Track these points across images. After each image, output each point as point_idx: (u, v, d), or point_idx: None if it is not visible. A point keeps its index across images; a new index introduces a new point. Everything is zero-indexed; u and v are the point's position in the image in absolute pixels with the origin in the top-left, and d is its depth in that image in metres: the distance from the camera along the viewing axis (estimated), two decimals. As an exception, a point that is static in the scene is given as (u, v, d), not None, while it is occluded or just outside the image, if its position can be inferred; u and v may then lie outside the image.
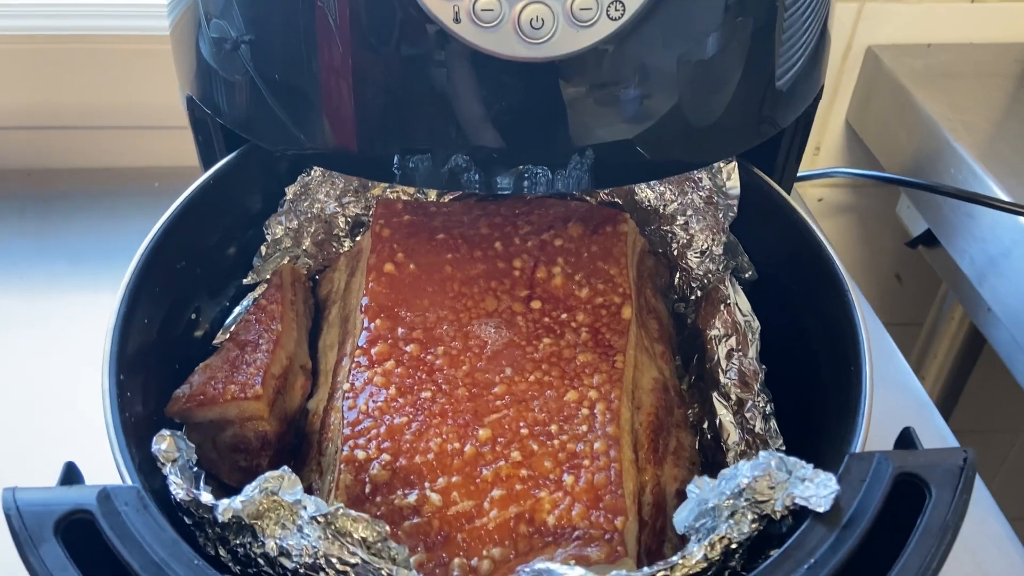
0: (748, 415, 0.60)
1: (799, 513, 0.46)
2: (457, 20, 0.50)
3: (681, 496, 0.57)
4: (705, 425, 0.65)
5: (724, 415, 0.62)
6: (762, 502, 0.45)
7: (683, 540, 0.53)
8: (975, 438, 1.26)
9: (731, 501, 0.46)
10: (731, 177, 0.65)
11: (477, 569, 0.50)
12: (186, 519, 0.48)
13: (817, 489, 0.44)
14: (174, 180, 1.01)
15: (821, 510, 0.43)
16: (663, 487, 0.57)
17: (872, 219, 1.20)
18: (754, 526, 0.45)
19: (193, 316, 0.65)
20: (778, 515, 0.45)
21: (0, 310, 0.87)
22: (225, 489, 0.62)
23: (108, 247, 0.94)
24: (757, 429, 0.60)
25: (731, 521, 0.45)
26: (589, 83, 0.54)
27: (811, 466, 0.45)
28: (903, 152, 1.03)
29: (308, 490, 0.59)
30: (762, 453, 0.47)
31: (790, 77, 0.62)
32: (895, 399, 0.81)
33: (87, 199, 1.00)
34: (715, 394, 0.63)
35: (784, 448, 0.59)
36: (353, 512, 0.44)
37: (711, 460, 0.64)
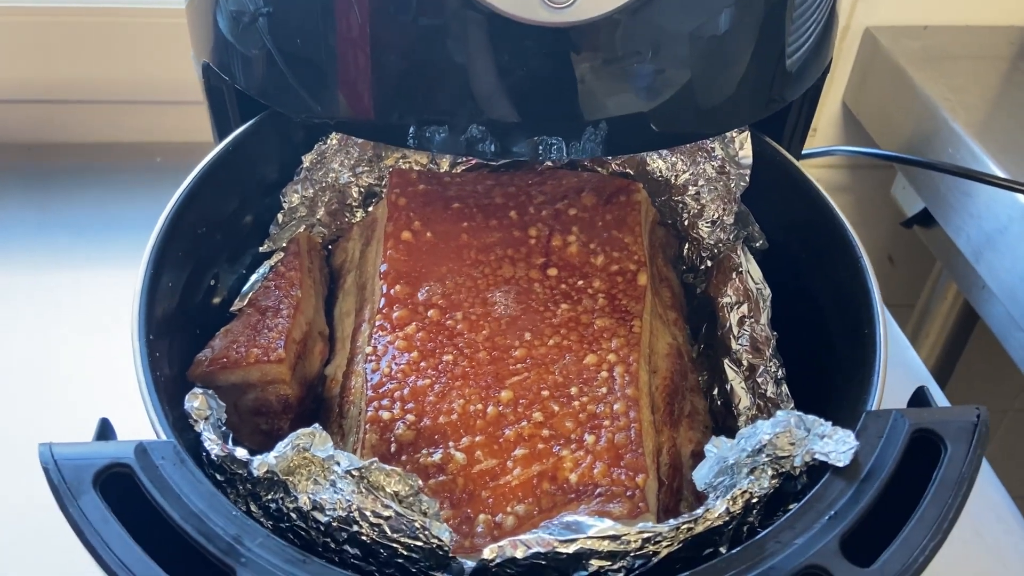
0: (760, 380, 0.62)
1: (815, 471, 0.47)
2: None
3: (697, 457, 0.58)
4: (715, 391, 0.67)
5: (735, 380, 0.64)
6: (782, 458, 0.46)
7: (699, 499, 0.55)
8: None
9: (751, 458, 0.47)
10: (744, 147, 0.66)
11: (501, 524, 0.51)
12: (217, 475, 0.49)
13: (836, 445, 0.46)
14: (176, 155, 1.03)
15: (841, 464, 0.45)
16: (679, 448, 0.58)
17: (866, 201, 1.22)
18: (774, 481, 0.47)
19: (212, 283, 0.66)
20: (797, 471, 0.47)
21: (4, 285, 0.87)
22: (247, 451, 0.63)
23: (110, 222, 0.94)
24: (769, 393, 0.61)
25: (751, 476, 0.47)
26: (609, 51, 0.54)
27: (829, 423, 0.47)
28: (900, 132, 1.05)
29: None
30: (780, 412, 0.49)
31: (802, 52, 0.63)
32: (897, 373, 0.83)
33: (89, 174, 1.00)
34: (726, 360, 0.65)
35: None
36: (387, 466, 0.45)
37: (722, 425, 0.65)
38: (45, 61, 0.99)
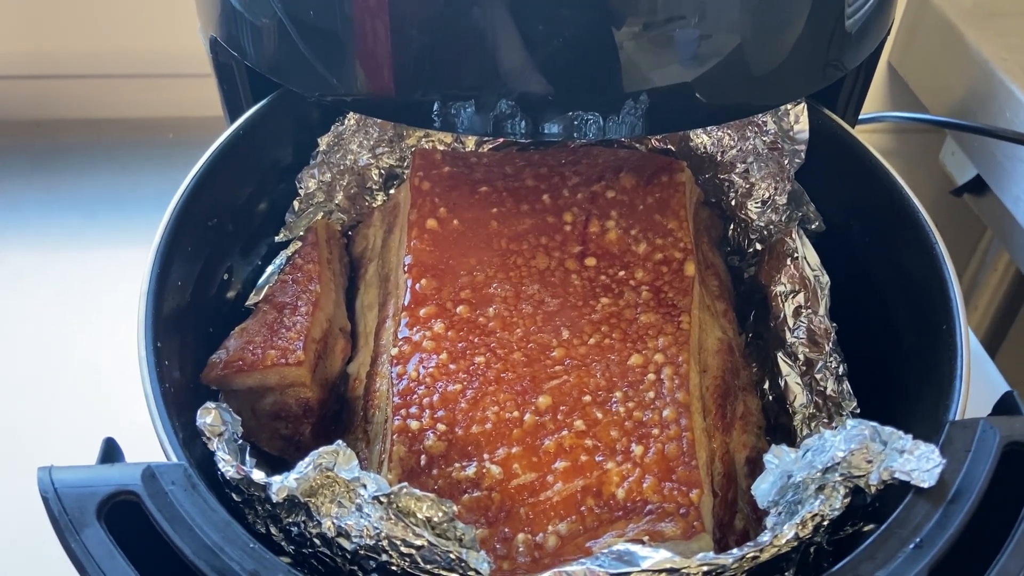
0: (819, 376, 0.57)
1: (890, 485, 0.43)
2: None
3: (751, 464, 0.54)
4: (767, 385, 0.62)
5: (790, 376, 0.59)
6: (857, 476, 0.42)
7: (756, 511, 0.51)
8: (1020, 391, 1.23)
9: (820, 475, 0.43)
10: (799, 120, 0.60)
11: (543, 545, 0.47)
12: (234, 496, 0.45)
13: (919, 462, 0.41)
14: (190, 131, 0.98)
15: (926, 485, 0.40)
16: (732, 455, 0.53)
17: (912, 168, 1.15)
18: (846, 500, 0.42)
19: (226, 276, 0.61)
20: (872, 489, 0.42)
21: (17, 267, 0.84)
22: (264, 457, 0.59)
23: (123, 201, 0.90)
24: (829, 391, 0.56)
25: (821, 496, 0.42)
26: (649, 15, 0.49)
27: (909, 437, 0.42)
28: (950, 95, 0.98)
29: (354, 459, 0.56)
30: (850, 422, 0.44)
31: (863, 12, 0.57)
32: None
33: (99, 151, 0.96)
34: (780, 353, 0.60)
35: (859, 411, 0.55)
36: (418, 491, 0.41)
37: (774, 423, 0.60)
38: (51, 33, 0.94)
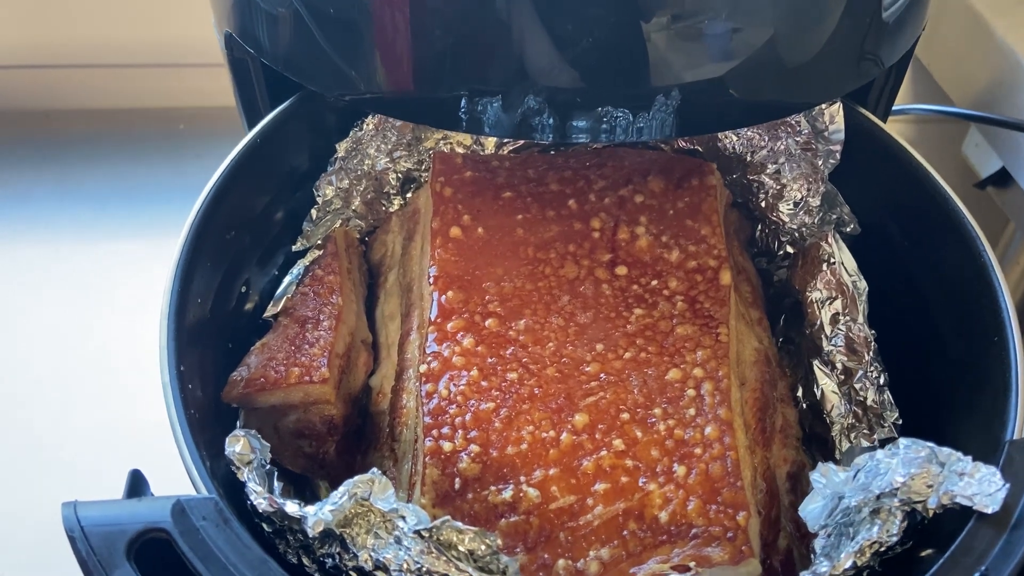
0: (858, 386, 0.55)
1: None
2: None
3: (792, 479, 0.52)
4: (800, 392, 0.61)
5: (827, 385, 0.57)
6: (916, 502, 0.40)
7: (799, 528, 0.49)
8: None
9: (875, 499, 0.41)
10: (835, 120, 0.58)
11: (584, 571, 0.45)
12: (265, 526, 0.44)
13: (980, 486, 0.39)
14: (201, 121, 0.95)
15: (990, 511, 0.39)
16: (773, 471, 0.52)
17: (934, 160, 1.13)
18: (903, 525, 0.41)
19: (243, 289, 0.59)
20: (930, 513, 0.41)
21: (27, 259, 0.82)
22: (287, 475, 0.58)
23: (133, 192, 0.88)
24: (869, 401, 0.55)
25: (878, 521, 0.41)
26: (680, 8, 0.47)
27: (969, 458, 0.40)
28: (976, 86, 0.96)
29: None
30: (903, 441, 0.42)
31: (899, 6, 0.55)
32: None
33: (109, 141, 0.94)
34: (816, 361, 0.58)
35: (900, 422, 0.54)
36: (460, 524, 0.39)
37: (808, 431, 0.59)
38: (61, 22, 0.91)
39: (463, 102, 0.48)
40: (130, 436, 0.67)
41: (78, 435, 0.69)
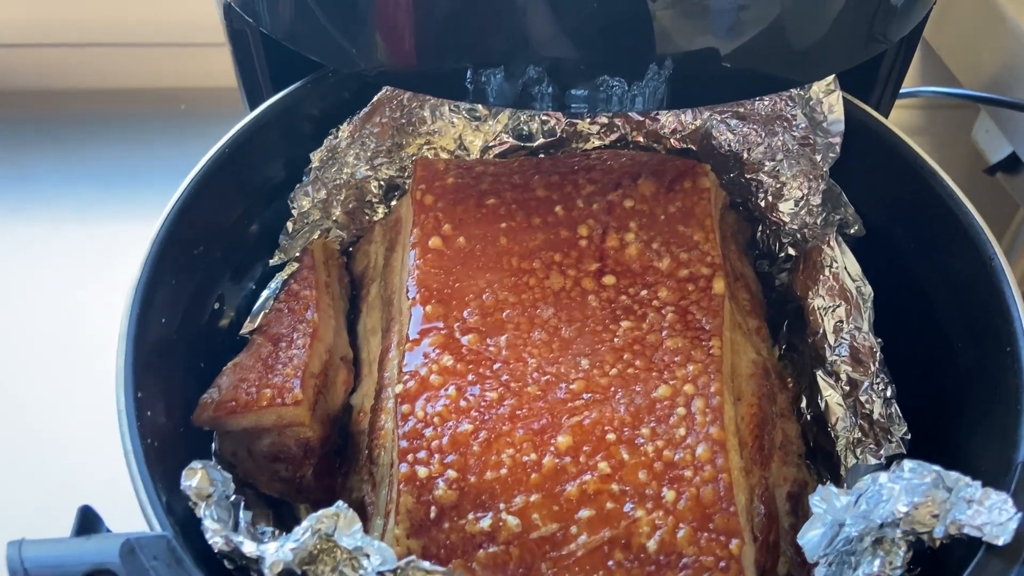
0: (864, 399, 0.52)
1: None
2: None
3: (793, 500, 0.49)
4: (803, 404, 0.57)
5: (831, 396, 0.54)
6: (921, 532, 0.37)
7: (799, 553, 0.46)
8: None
9: (877, 528, 0.38)
10: (833, 110, 0.55)
11: (568, 605, 0.43)
12: (226, 563, 0.41)
13: (990, 514, 0.36)
14: (202, 102, 0.93)
15: (1000, 543, 0.35)
16: (771, 491, 0.49)
17: (944, 146, 1.10)
18: (907, 556, 0.38)
19: (216, 305, 0.57)
20: (936, 543, 0.37)
21: (28, 237, 0.82)
22: (264, 499, 0.55)
23: (135, 172, 0.88)
24: (876, 415, 0.51)
25: (880, 553, 0.38)
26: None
27: (978, 484, 0.37)
28: (986, 69, 0.92)
29: (360, 503, 0.52)
30: (909, 464, 0.39)
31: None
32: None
33: (111, 121, 0.93)
34: (819, 372, 0.55)
35: (909, 436, 0.51)
36: (427, 564, 0.37)
37: (813, 444, 0.56)
38: (62, 1, 0.90)
39: (468, 73, 0.46)
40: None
41: (71, 417, 0.69)
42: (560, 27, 0.45)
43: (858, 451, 0.52)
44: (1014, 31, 0.87)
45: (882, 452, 0.51)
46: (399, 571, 0.37)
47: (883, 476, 0.39)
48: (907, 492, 0.37)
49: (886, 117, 0.61)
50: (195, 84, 0.93)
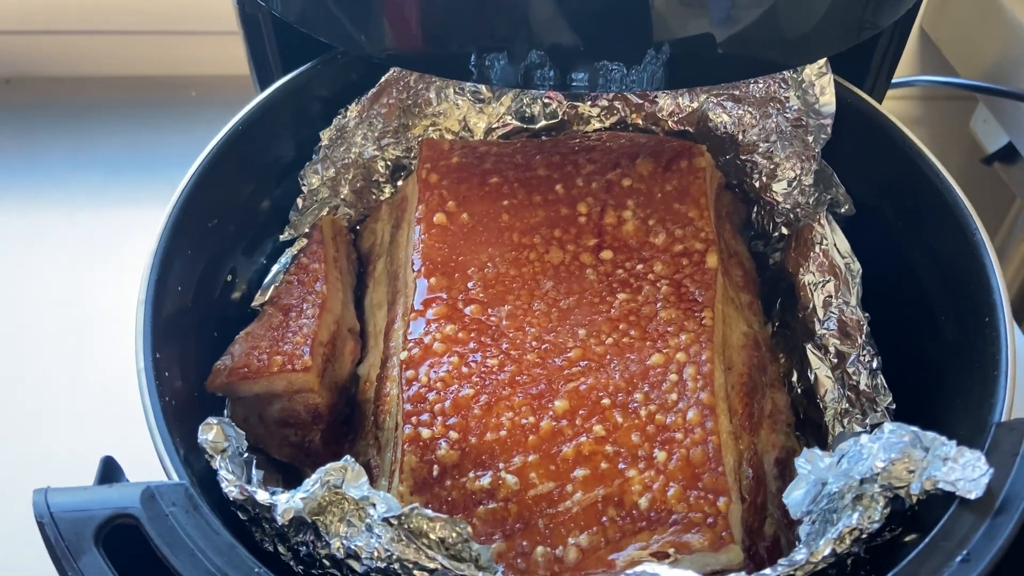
0: (851, 370, 0.54)
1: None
2: None
3: (781, 465, 0.51)
4: (795, 378, 0.59)
5: (820, 369, 0.56)
6: (898, 487, 0.39)
7: (786, 515, 0.48)
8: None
9: (857, 484, 0.40)
10: (825, 92, 0.57)
11: (563, 559, 0.45)
12: (240, 514, 0.44)
13: (964, 471, 0.38)
14: (213, 89, 0.95)
15: (973, 496, 0.38)
16: (760, 456, 0.51)
17: (941, 136, 1.11)
18: (885, 512, 0.40)
19: (229, 278, 0.59)
20: (914, 499, 0.39)
21: (40, 223, 0.84)
22: (274, 463, 0.57)
23: (146, 158, 0.90)
24: (862, 386, 0.53)
25: (859, 508, 0.40)
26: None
27: (953, 443, 0.39)
28: (984, 60, 0.94)
29: (366, 466, 0.54)
30: (888, 426, 0.41)
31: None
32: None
33: (122, 108, 0.94)
34: (809, 346, 0.57)
35: (894, 406, 0.53)
36: (429, 512, 0.39)
37: (803, 417, 0.58)
38: None
39: (472, 57, 0.48)
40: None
41: (83, 402, 0.71)
42: (561, 13, 0.47)
43: (845, 421, 0.54)
44: (1012, 22, 0.88)
45: (867, 421, 0.53)
46: (403, 518, 0.39)
47: (864, 437, 0.41)
48: (885, 450, 0.39)
49: (880, 102, 0.62)
50: (205, 71, 0.95)
